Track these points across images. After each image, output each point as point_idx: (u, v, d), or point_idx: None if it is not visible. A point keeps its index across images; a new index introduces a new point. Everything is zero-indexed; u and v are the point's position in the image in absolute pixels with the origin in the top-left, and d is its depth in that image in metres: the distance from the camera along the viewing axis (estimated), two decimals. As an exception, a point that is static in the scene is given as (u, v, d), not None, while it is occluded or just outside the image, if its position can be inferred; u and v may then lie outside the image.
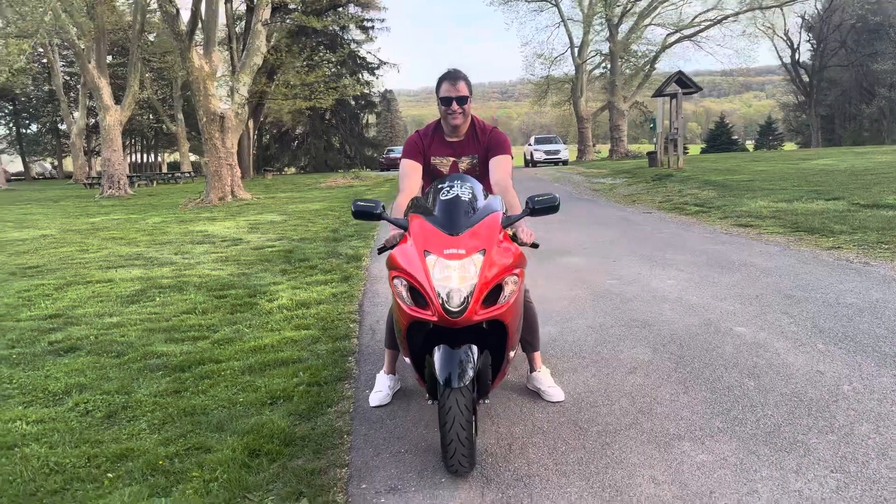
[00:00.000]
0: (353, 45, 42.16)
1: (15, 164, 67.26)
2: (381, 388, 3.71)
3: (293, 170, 48.72)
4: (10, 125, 59.44)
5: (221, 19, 33.56)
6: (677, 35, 40.36)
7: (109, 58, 42.80)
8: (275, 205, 18.05)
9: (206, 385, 4.26)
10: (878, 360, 3.94)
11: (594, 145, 48.34)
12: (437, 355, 2.70)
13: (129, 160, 60.61)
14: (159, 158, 68.14)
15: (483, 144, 3.59)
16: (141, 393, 4.19)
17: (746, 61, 43.85)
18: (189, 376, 4.45)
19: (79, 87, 41.49)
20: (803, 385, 3.62)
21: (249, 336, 5.32)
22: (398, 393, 3.84)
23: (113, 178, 26.18)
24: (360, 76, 44.91)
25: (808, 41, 55.30)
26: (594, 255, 8.01)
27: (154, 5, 24.15)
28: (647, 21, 40.44)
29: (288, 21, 33.49)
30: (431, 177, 3.57)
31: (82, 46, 25.03)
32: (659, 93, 22.02)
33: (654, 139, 24.66)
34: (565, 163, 35.26)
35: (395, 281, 2.82)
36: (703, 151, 60.15)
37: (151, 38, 38.99)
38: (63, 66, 45.85)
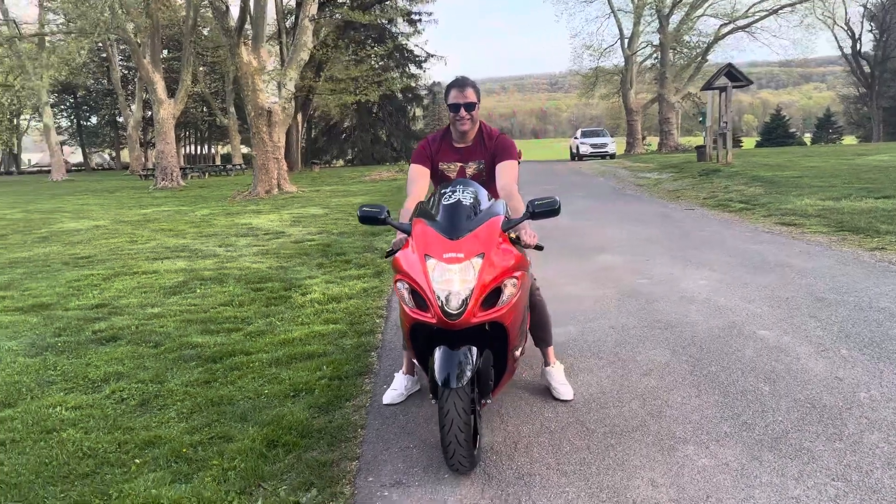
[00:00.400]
0: (400, 39, 42.37)
1: (76, 156, 69.81)
2: (397, 388, 3.82)
3: (341, 162, 49.35)
4: (72, 118, 61.63)
5: (271, 15, 34.18)
6: (731, 26, 39.39)
7: (165, 52, 44.04)
8: (318, 198, 18.38)
9: (235, 376, 4.44)
10: (901, 367, 3.88)
11: (644, 138, 47.64)
12: (437, 356, 2.79)
13: (183, 152, 62.30)
14: (212, 150, 69.75)
15: (490, 150, 3.67)
16: (173, 382, 4.39)
17: (804, 52, 42.64)
18: (220, 367, 4.64)
19: (136, 80, 42.76)
20: (819, 391, 3.60)
21: (280, 329, 5.50)
22: (416, 391, 3.94)
23: (166, 170, 26.97)
24: (407, 69, 45.16)
25: (871, 31, 53.26)
26: (627, 253, 7.97)
27: (206, 1, 24.70)
28: (699, 12, 39.60)
29: (337, 16, 33.89)
30: (439, 182, 3.66)
31: (138, 42, 25.82)
32: (708, 86, 21.59)
33: (704, 133, 24.19)
34: (612, 156, 34.81)
35: (398, 284, 2.92)
36: (758, 145, 58.68)
37: (205, 32, 39.89)
38: (121, 60, 47.32)
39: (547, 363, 3.84)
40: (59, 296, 7.23)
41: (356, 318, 5.67)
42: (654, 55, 42.94)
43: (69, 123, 63.11)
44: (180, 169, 29.08)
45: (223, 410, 3.89)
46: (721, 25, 39.85)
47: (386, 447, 3.25)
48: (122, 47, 46.27)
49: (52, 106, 53.24)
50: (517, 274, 2.94)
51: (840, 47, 52.95)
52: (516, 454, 3.08)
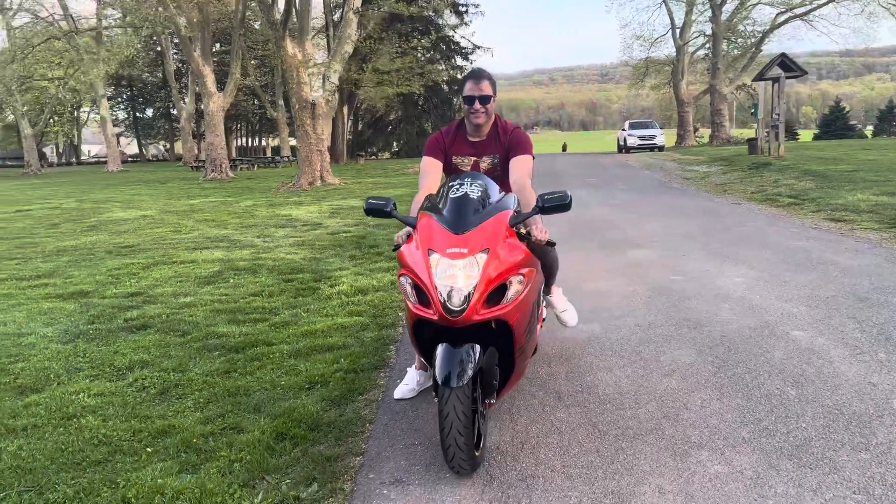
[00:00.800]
0: (446, 30, 42.23)
1: (132, 147, 71.85)
2: (409, 382, 3.77)
3: (387, 154, 49.56)
4: (128, 110, 63.39)
5: (319, 8, 34.45)
6: (788, 14, 38.08)
7: (218, 45, 44.86)
8: (360, 190, 18.47)
9: (255, 367, 4.47)
10: (942, 373, 3.66)
11: (697, 130, 46.54)
12: (438, 353, 2.72)
13: (234, 144, 63.51)
14: (263, 142, 70.89)
15: (504, 144, 3.59)
16: (194, 371, 4.44)
17: (865, 41, 40.98)
18: (241, 357, 4.68)
19: (189, 74, 43.67)
20: (849, 397, 3.42)
21: (305, 320, 5.51)
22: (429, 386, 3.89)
23: (215, 162, 27.47)
24: (453, 61, 44.99)
25: (939, 18, 50.79)
26: (664, 248, 7.76)
27: (254, -6, 25.01)
28: (753, 0, 38.39)
29: (384, 8, 33.96)
30: (452, 175, 3.59)
31: (189, 36, 26.32)
32: (760, 76, 20.92)
33: (756, 125, 23.48)
34: (661, 148, 34.10)
35: (402, 279, 2.86)
36: (816, 138, 56.75)
37: (256, 26, 40.45)
38: (175, 53, 48.34)
39: (547, 292, 3.97)
40: (99, 284, 7.40)
41: (380, 310, 5.65)
42: (707, 45, 41.85)
43: (126, 115, 64.92)
44: (230, 160, 29.61)
45: (238, 401, 3.91)
46: (777, 14, 38.59)
47: (391, 443, 3.20)
48: (175, 41, 47.26)
49: (109, 98, 54.83)
50: (524, 271, 2.86)
51: (905, 36, 50.67)
52: (522, 455, 3.00)
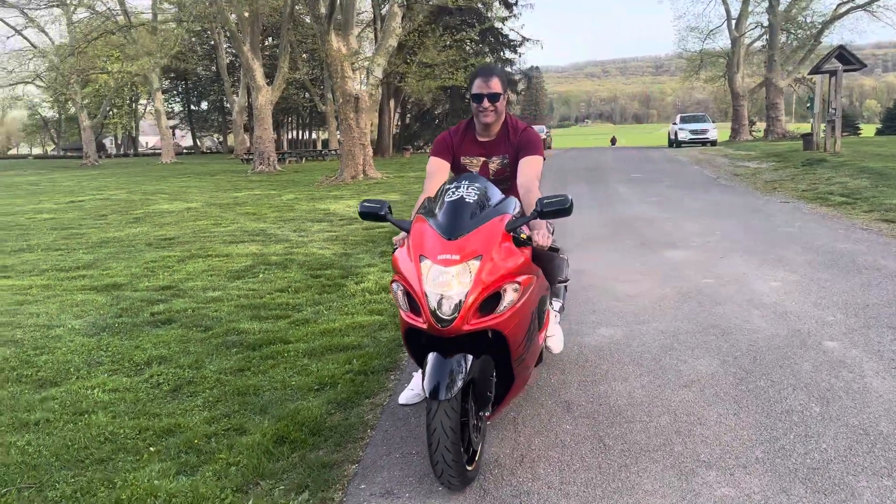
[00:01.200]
0: (494, 22, 41.86)
1: (187, 139, 73.60)
2: (415, 388, 3.68)
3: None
4: (183, 103, 64.91)
5: (367, 1, 34.56)
6: (849, 4, 36.55)
7: (270, 39, 45.49)
8: (400, 184, 18.47)
9: (268, 365, 4.45)
10: (985, 393, 3.40)
11: (754, 124, 45.18)
12: (428, 364, 2.62)
13: (286, 137, 64.45)
14: (314, 136, 71.74)
15: (514, 144, 3.44)
16: (209, 369, 4.45)
17: (934, 31, 38.94)
18: (257, 355, 4.67)
19: (240, 68, 44.42)
20: (877, 416, 3.20)
21: (325, 318, 5.49)
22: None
23: (263, 155, 27.87)
24: (502, 54, 44.60)
25: None
26: (702, 249, 7.50)
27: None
28: (813, -11, 36.97)
29: (433, 1, 33.86)
30: (451, 177, 3.48)
31: (239, 30, 26.71)
32: (817, 69, 20.12)
33: (812, 119, 22.62)
34: (713, 143, 33.18)
35: (394, 285, 2.78)
36: (879, 133, 54.54)
37: (307, 20, 40.80)
38: (228, 47, 49.19)
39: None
40: (133, 276, 7.53)
41: (400, 310, 5.58)
42: (763, 37, 40.52)
43: (181, 108, 66.49)
44: (279, 154, 30.00)
45: (247, 401, 3.89)
46: (838, 4, 37.06)
47: (388, 451, 3.13)
48: (228, 35, 48.15)
49: (165, 92, 56.28)
50: (521, 278, 2.73)
51: (978, 25, 48.18)
52: (520, 469, 2.89)
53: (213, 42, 49.13)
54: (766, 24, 39.01)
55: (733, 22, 39.83)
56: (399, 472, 2.93)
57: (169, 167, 36.96)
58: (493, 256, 2.64)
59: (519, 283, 2.70)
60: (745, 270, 6.33)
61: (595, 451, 3.02)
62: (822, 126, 20.84)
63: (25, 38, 41.09)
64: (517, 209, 2.96)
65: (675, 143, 34.32)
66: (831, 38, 37.64)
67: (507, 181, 3.46)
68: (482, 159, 3.51)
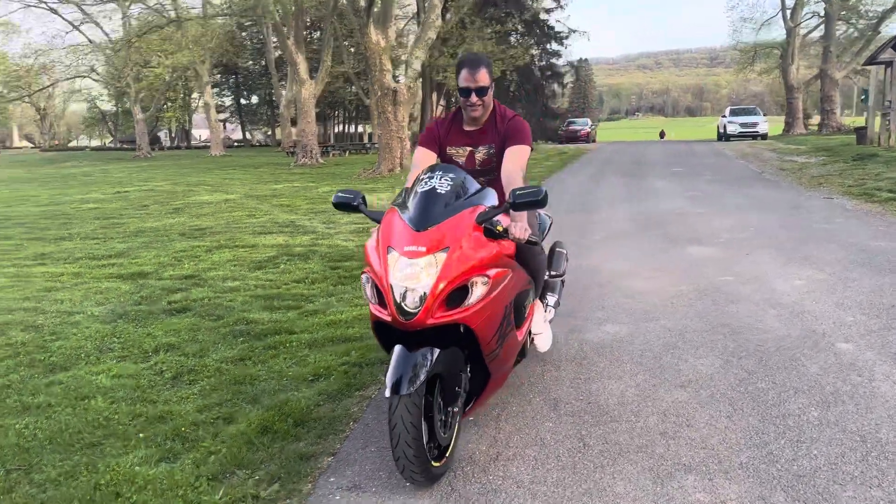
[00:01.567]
0: (537, 12, 41.43)
1: (238, 132, 75.02)
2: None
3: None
4: (233, 97, 66.10)
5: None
6: (914, -9, 34.95)
7: (317, 34, 45.92)
8: (438, 177, 18.43)
9: (269, 355, 4.48)
10: None
11: (810, 117, 43.73)
12: (393, 357, 2.58)
13: (332, 130, 65.07)
14: (359, 129, 72.29)
15: (501, 133, 3.35)
16: (212, 357, 4.50)
17: None
18: (260, 345, 4.70)
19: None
20: (879, 422, 3.04)
21: (334, 310, 5.50)
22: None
23: (306, 148, 28.16)
24: (548, 46, 44.16)
25: None
26: (730, 245, 7.27)
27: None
28: (872, -22, 35.50)
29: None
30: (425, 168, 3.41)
31: (283, 24, 27.02)
32: (872, 59, 19.36)
33: (867, 113, 21.77)
34: (764, 137, 32.24)
35: (363, 276, 2.74)
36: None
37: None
38: (276, 42, 49.91)
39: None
40: (160, 265, 7.68)
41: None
42: (819, 27, 39.13)
43: (231, 102, 67.71)
44: (324, 146, 30.27)
45: (241, 390, 3.92)
46: (902, -8, 35.49)
47: (365, 444, 3.11)
48: (275, 29, 48.78)
49: (216, 86, 57.37)
50: (492, 272, 2.67)
51: None
52: (493, 467, 2.83)
53: (262, 37, 49.89)
54: (822, 13, 37.67)
55: (788, 12, 38.63)
56: (370, 467, 2.90)
57: (217, 160, 37.65)
58: (460, 248, 2.58)
59: (489, 276, 2.64)
60: (770, 268, 6.11)
61: (573, 450, 2.94)
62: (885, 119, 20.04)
63: (82, 32, 42.40)
64: (493, 201, 2.89)
65: (723, 136, 33.47)
66: (892, 28, 36.12)
67: (493, 171, 3.39)
68: (468, 149, 3.44)
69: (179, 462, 3.09)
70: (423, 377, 2.49)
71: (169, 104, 59.06)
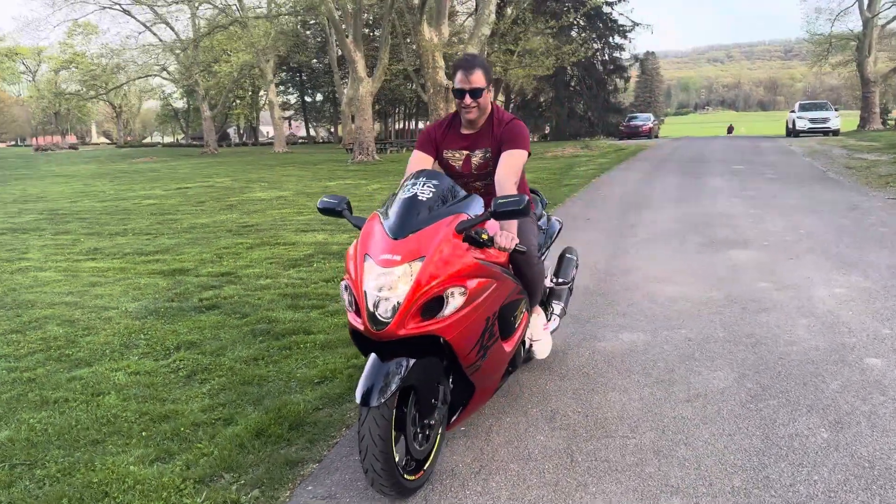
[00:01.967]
0: (604, 8, 40.72)
1: (302, 130, 76.57)
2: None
3: (535, 137, 48.98)
4: (298, 94, 67.47)
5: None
6: None
7: (377, 32, 46.35)
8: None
9: (282, 356, 4.52)
10: None
11: (889, 112, 41.66)
12: (366, 366, 2.53)
13: (393, 127, 65.66)
14: (419, 125, 72.69)
15: (498, 137, 3.26)
16: (228, 357, 4.56)
17: None
18: (277, 345, 4.75)
19: (349, 59, 45.52)
20: (893, 447, 2.83)
21: (355, 311, 5.50)
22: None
23: (363, 145, 28.46)
24: (611, 39, 43.38)
25: None
26: (774, 249, 6.96)
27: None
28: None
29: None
30: (444, 171, 3.35)
31: (342, 22, 27.34)
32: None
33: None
34: (836, 133, 30.83)
35: (342, 284, 2.71)
36: None
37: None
38: (337, 40, 50.65)
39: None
40: (201, 262, 7.87)
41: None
42: (900, 16, 37.18)
43: (296, 100, 69.12)
44: (381, 143, 30.51)
45: (247, 391, 3.96)
46: None
47: (350, 452, 3.08)
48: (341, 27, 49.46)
49: (281, 84, 58.64)
50: (471, 283, 2.60)
51: None
52: (472, 481, 2.77)
53: (324, 35, 50.69)
54: (903, 2, 35.78)
55: (865, 1, 36.81)
56: (349, 476, 2.87)
57: (279, 156, 38.49)
58: (437, 258, 2.52)
59: (467, 287, 2.57)
60: (812, 275, 5.81)
61: (559, 466, 2.85)
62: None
63: (154, 33, 43.97)
64: (478, 209, 2.81)
65: (792, 132, 32.17)
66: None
67: (490, 176, 3.31)
68: (465, 153, 3.37)
69: (171, 463, 3.13)
70: (394, 388, 2.44)
71: (237, 102, 60.68)
